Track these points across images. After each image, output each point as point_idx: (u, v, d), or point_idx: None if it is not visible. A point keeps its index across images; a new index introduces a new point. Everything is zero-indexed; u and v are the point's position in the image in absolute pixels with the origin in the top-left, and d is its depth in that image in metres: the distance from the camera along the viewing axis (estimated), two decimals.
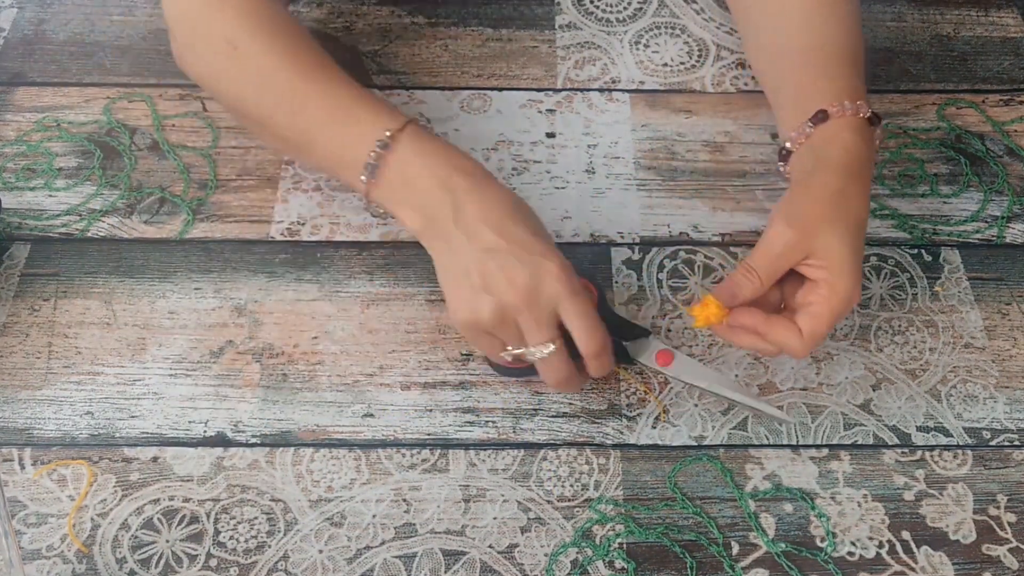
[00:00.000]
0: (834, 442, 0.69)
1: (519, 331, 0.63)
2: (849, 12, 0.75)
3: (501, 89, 0.88)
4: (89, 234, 0.78)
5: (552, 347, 0.62)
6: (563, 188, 0.82)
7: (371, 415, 0.70)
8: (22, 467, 0.67)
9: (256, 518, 0.65)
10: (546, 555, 0.64)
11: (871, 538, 0.65)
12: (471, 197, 0.64)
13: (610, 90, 0.89)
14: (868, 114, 0.67)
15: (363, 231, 0.79)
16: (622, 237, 0.79)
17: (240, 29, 0.70)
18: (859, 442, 0.69)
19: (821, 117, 0.67)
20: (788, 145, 0.70)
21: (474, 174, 0.65)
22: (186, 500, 0.66)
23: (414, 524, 0.65)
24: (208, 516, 0.65)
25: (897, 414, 0.70)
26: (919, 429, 0.70)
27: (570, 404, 0.71)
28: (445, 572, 0.63)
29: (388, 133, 0.66)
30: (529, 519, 0.66)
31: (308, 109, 0.69)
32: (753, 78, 0.88)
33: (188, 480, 0.67)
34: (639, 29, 0.94)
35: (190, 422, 0.69)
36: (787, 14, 0.76)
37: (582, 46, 0.92)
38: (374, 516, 0.66)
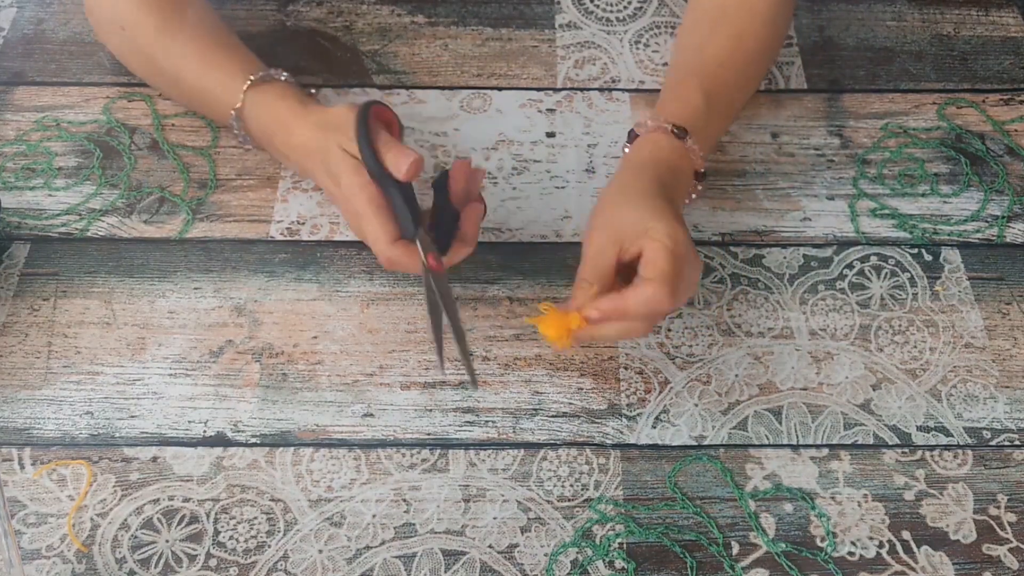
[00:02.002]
0: (834, 442, 0.69)
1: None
2: (740, 32, 0.79)
3: (501, 88, 0.88)
4: (89, 234, 0.78)
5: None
6: (563, 188, 0.82)
7: (371, 415, 0.70)
8: (22, 467, 0.67)
9: (256, 518, 0.65)
10: (546, 555, 0.64)
11: (871, 538, 0.65)
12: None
13: (610, 89, 0.88)
14: (670, 127, 0.72)
15: None
16: None
17: (126, 12, 0.80)
18: (859, 442, 0.69)
19: (632, 136, 0.74)
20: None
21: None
22: (186, 500, 0.66)
23: (414, 524, 0.65)
24: (208, 516, 0.65)
25: (897, 414, 0.70)
26: (919, 429, 0.70)
27: (570, 404, 0.70)
28: (445, 572, 0.63)
29: (237, 107, 0.77)
30: (529, 519, 0.66)
31: (181, 83, 0.80)
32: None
33: (188, 480, 0.67)
34: (639, 29, 0.94)
35: (190, 422, 0.69)
36: (685, 26, 0.83)
37: (582, 45, 0.92)
38: (374, 516, 0.66)
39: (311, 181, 0.81)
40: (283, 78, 0.77)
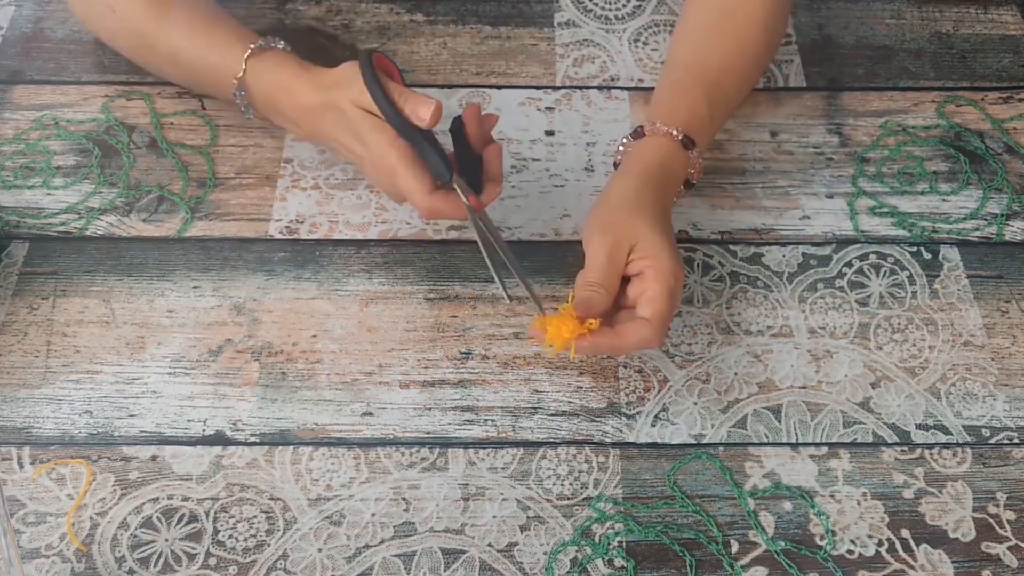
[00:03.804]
0: (833, 440, 0.69)
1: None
2: (740, 37, 0.79)
3: (500, 87, 0.88)
4: (87, 232, 0.78)
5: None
6: (562, 186, 0.82)
7: (370, 414, 0.70)
8: (21, 466, 0.67)
9: (255, 517, 0.65)
10: (545, 553, 0.64)
11: (870, 536, 0.65)
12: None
13: (609, 88, 0.88)
14: (680, 137, 0.72)
15: (362, 229, 0.79)
16: None
17: None
18: (858, 440, 0.69)
19: (638, 134, 0.74)
20: (616, 156, 0.75)
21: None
22: (185, 499, 0.66)
23: (413, 523, 0.65)
24: (207, 515, 0.65)
25: (896, 412, 0.70)
26: (918, 427, 0.70)
27: (569, 403, 0.70)
28: (444, 571, 0.63)
29: (239, 75, 0.76)
30: (528, 517, 0.66)
31: (178, 58, 0.79)
32: None
33: (187, 479, 0.67)
34: (638, 27, 0.94)
35: (189, 421, 0.69)
36: (685, 29, 0.82)
37: (581, 44, 0.92)
38: (373, 515, 0.66)
39: (310, 180, 0.81)
40: (280, 46, 0.77)
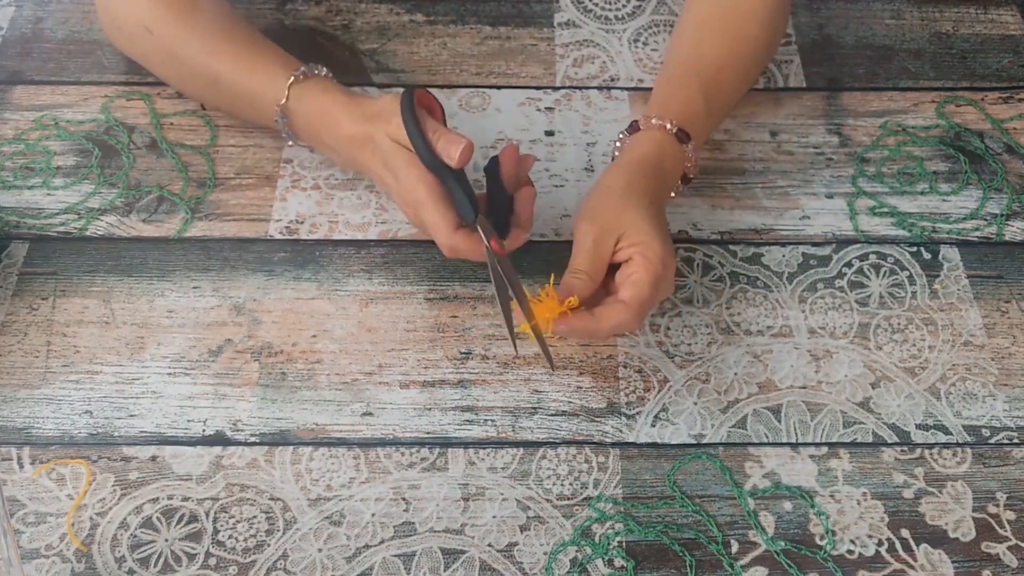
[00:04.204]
0: (833, 440, 0.69)
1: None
2: (737, 34, 0.80)
3: (500, 87, 0.88)
4: (87, 233, 0.78)
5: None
6: (562, 186, 0.82)
7: (370, 414, 0.70)
8: (21, 466, 0.67)
9: (255, 517, 0.65)
10: (545, 553, 0.64)
11: (870, 536, 0.65)
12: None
13: (609, 88, 0.88)
14: (675, 131, 0.73)
15: (362, 229, 0.79)
16: None
17: (154, 13, 0.78)
18: (858, 440, 0.69)
19: (633, 128, 0.74)
20: (613, 151, 0.76)
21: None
22: (185, 499, 0.66)
23: (413, 523, 0.65)
24: (207, 515, 0.65)
25: (896, 412, 0.70)
26: (918, 427, 0.70)
27: (569, 403, 0.70)
28: (444, 571, 0.63)
29: (282, 102, 0.76)
30: (528, 517, 0.66)
31: (220, 84, 0.78)
32: None
33: (187, 479, 0.67)
34: (638, 27, 0.94)
35: (189, 421, 0.69)
36: (683, 27, 0.82)
37: (581, 44, 0.92)
38: (373, 515, 0.66)
39: (310, 180, 0.81)
40: (323, 73, 0.77)
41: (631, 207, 0.67)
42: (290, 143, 0.79)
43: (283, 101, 0.75)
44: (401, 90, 0.71)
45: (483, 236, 0.68)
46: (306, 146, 0.81)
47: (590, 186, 0.81)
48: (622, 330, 0.67)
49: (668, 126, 0.72)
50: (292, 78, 0.75)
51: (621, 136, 0.75)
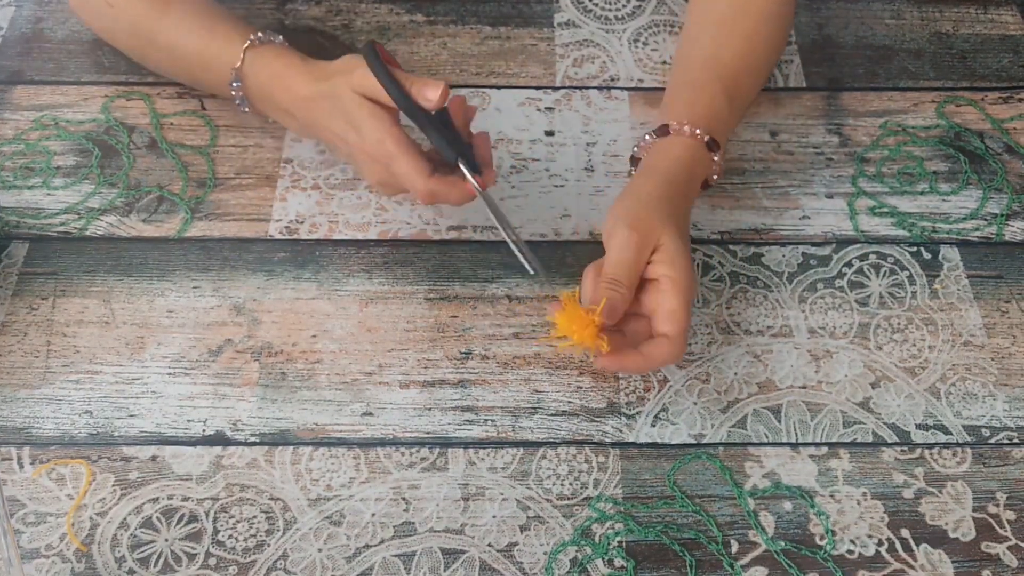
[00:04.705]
0: (833, 440, 0.69)
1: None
2: (752, 34, 0.79)
3: (500, 87, 0.88)
4: (87, 233, 0.78)
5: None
6: (562, 186, 0.82)
7: (370, 414, 0.70)
8: (21, 466, 0.67)
9: (255, 517, 0.65)
10: (545, 553, 0.64)
11: (870, 536, 0.65)
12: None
13: (609, 88, 0.88)
14: (706, 139, 0.72)
15: (362, 229, 0.79)
16: None
17: None
18: (858, 440, 0.69)
19: (663, 131, 0.73)
20: (636, 152, 0.75)
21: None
22: (185, 499, 0.66)
23: (413, 523, 0.65)
24: (207, 515, 0.65)
25: (896, 412, 0.70)
26: (918, 427, 0.70)
27: (569, 403, 0.70)
28: (444, 571, 0.63)
29: (237, 66, 0.76)
30: (528, 517, 0.66)
31: (176, 51, 0.80)
32: None
33: (187, 479, 0.67)
34: (638, 27, 0.94)
35: (189, 421, 0.69)
36: (697, 28, 0.81)
37: (581, 44, 0.92)
38: (373, 515, 0.66)
39: (310, 180, 0.81)
40: (279, 40, 0.77)
41: (668, 220, 0.66)
42: (244, 110, 0.79)
43: (238, 65, 0.76)
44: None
45: (468, 174, 0.69)
46: (261, 115, 0.80)
47: (591, 186, 0.82)
48: (669, 363, 0.68)
49: (699, 133, 0.72)
50: (248, 42, 0.76)
51: (648, 138, 0.74)
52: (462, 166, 0.69)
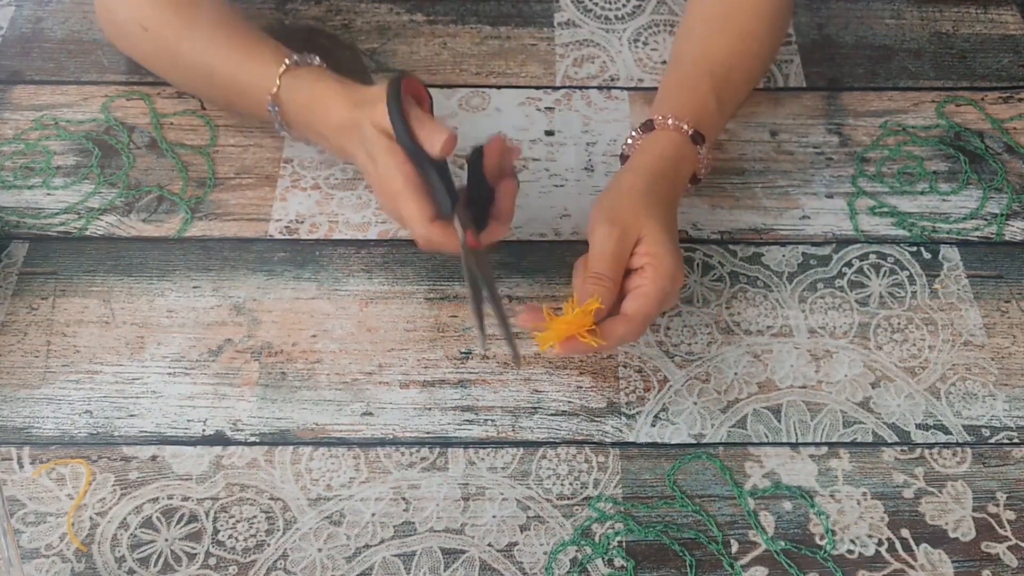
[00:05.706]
0: (833, 440, 0.69)
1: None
2: (745, 31, 0.79)
3: (500, 87, 0.88)
4: (87, 233, 0.78)
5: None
6: (562, 186, 0.82)
7: (370, 413, 0.70)
8: (21, 466, 0.67)
9: (255, 517, 0.65)
10: (545, 553, 0.64)
11: (870, 536, 0.65)
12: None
13: (609, 88, 0.88)
14: (691, 133, 0.72)
15: (362, 229, 0.79)
16: None
17: (148, 11, 0.79)
18: (858, 440, 0.69)
19: (648, 127, 0.74)
20: (624, 149, 0.75)
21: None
22: (185, 499, 0.66)
23: (413, 523, 0.65)
24: (207, 515, 0.65)
25: (896, 412, 0.70)
26: (918, 427, 0.70)
27: (569, 403, 0.70)
28: (444, 571, 0.63)
29: (273, 91, 0.75)
30: (528, 517, 0.66)
31: (214, 76, 0.78)
32: None
33: (187, 479, 0.67)
34: (638, 27, 0.94)
35: (189, 421, 0.69)
36: (691, 25, 0.82)
37: (581, 44, 0.92)
38: (373, 515, 0.66)
39: (310, 180, 0.81)
40: (316, 62, 0.77)
41: (651, 212, 0.67)
42: (283, 134, 0.79)
43: (274, 90, 0.75)
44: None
45: (458, 228, 0.67)
46: (301, 139, 0.80)
47: (591, 186, 0.82)
48: (623, 342, 0.66)
49: (684, 127, 0.72)
50: (284, 67, 0.75)
51: (634, 135, 0.74)
52: (456, 219, 0.67)
